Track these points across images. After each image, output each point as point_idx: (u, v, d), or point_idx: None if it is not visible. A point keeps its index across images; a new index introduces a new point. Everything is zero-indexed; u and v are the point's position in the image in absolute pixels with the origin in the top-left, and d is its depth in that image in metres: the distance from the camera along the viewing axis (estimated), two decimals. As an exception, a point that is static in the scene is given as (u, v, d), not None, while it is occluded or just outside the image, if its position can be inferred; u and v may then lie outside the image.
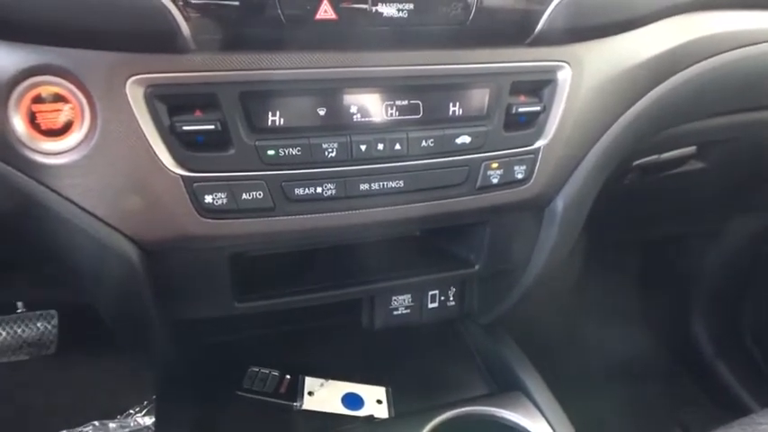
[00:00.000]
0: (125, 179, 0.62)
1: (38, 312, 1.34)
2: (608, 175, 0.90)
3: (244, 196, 0.65)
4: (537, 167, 0.77)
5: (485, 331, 1.06)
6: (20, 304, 1.31)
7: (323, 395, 0.93)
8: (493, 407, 0.89)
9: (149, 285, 0.69)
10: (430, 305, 1.00)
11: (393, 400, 0.95)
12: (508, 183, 0.77)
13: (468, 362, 1.03)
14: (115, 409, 1.34)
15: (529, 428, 0.87)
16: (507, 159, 0.75)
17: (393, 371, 0.99)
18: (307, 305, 0.81)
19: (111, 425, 1.40)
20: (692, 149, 1.13)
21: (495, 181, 0.76)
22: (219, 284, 0.74)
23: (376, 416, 0.91)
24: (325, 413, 0.90)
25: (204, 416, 0.89)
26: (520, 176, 0.77)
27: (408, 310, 0.99)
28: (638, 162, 1.05)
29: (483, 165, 0.74)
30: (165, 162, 0.61)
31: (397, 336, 1.04)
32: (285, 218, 0.67)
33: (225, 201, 0.64)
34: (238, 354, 0.98)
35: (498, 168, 0.75)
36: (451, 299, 1.01)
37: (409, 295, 0.98)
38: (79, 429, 1.36)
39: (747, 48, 0.90)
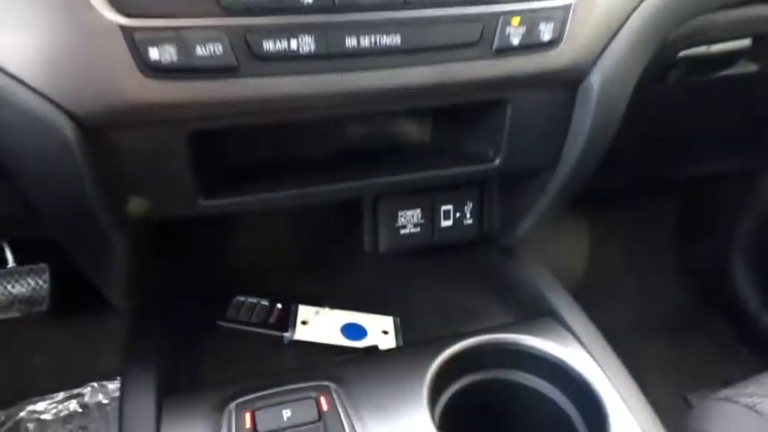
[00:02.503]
0: (51, 30, 0.50)
1: (28, 267, 1.27)
2: (651, 57, 0.76)
3: (199, 51, 0.52)
4: (568, 27, 0.64)
5: (507, 255, 0.93)
6: (10, 257, 1.23)
7: (319, 325, 0.81)
8: (519, 334, 0.76)
9: (92, 174, 0.57)
10: (443, 223, 0.87)
11: (401, 331, 0.82)
12: (532, 45, 0.63)
13: (488, 289, 0.90)
14: (114, 370, 1.27)
15: (562, 356, 0.73)
16: (531, 15, 0.62)
17: (402, 300, 0.87)
18: (290, 204, 0.68)
19: (111, 386, 1.36)
20: (746, 42, 0.97)
21: (515, 42, 0.62)
22: (178, 174, 0.61)
23: (380, 347, 0.78)
24: (319, 344, 0.78)
25: (178, 350, 0.77)
26: (546, 38, 0.63)
27: (418, 229, 0.85)
28: (684, 53, 0.90)
29: (501, 20, 0.61)
30: (96, 5, 0.50)
31: (406, 264, 0.92)
32: (252, 80, 0.55)
33: (175, 57, 0.52)
34: (224, 285, 0.86)
35: (520, 25, 0.61)
36: (468, 216, 0.88)
37: (418, 210, 0.85)
38: (78, 391, 1.33)
39: None
